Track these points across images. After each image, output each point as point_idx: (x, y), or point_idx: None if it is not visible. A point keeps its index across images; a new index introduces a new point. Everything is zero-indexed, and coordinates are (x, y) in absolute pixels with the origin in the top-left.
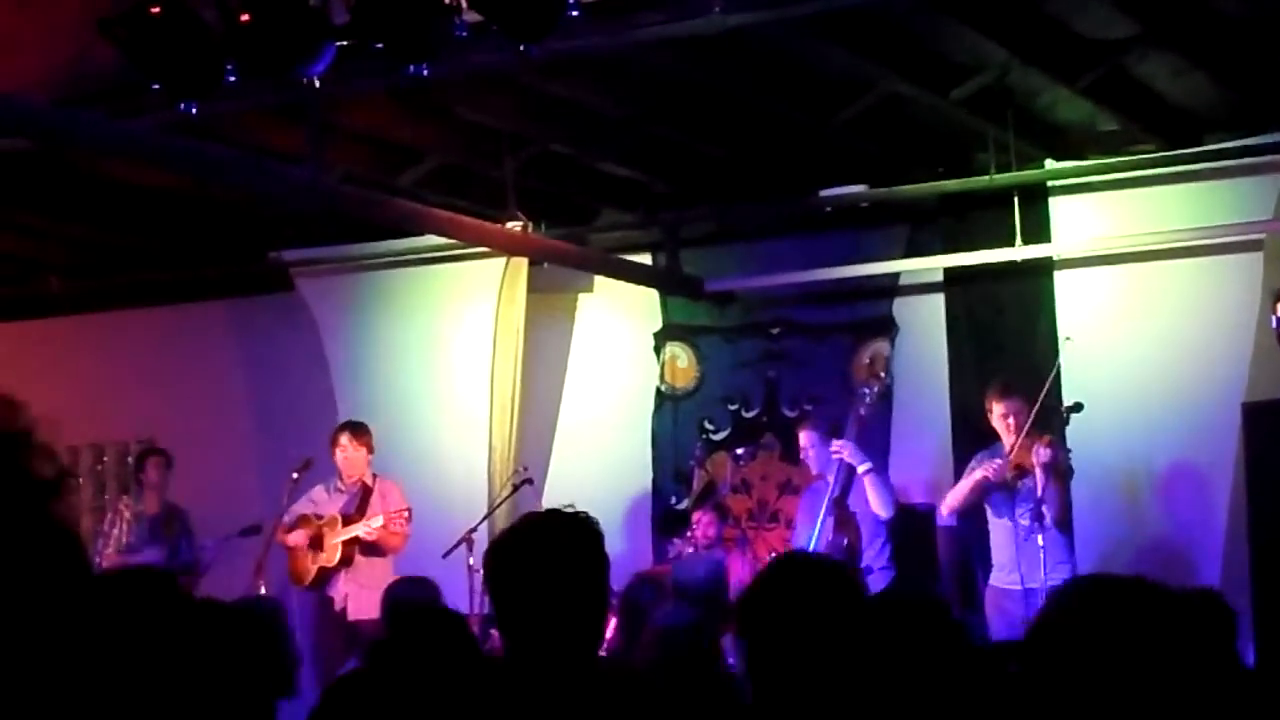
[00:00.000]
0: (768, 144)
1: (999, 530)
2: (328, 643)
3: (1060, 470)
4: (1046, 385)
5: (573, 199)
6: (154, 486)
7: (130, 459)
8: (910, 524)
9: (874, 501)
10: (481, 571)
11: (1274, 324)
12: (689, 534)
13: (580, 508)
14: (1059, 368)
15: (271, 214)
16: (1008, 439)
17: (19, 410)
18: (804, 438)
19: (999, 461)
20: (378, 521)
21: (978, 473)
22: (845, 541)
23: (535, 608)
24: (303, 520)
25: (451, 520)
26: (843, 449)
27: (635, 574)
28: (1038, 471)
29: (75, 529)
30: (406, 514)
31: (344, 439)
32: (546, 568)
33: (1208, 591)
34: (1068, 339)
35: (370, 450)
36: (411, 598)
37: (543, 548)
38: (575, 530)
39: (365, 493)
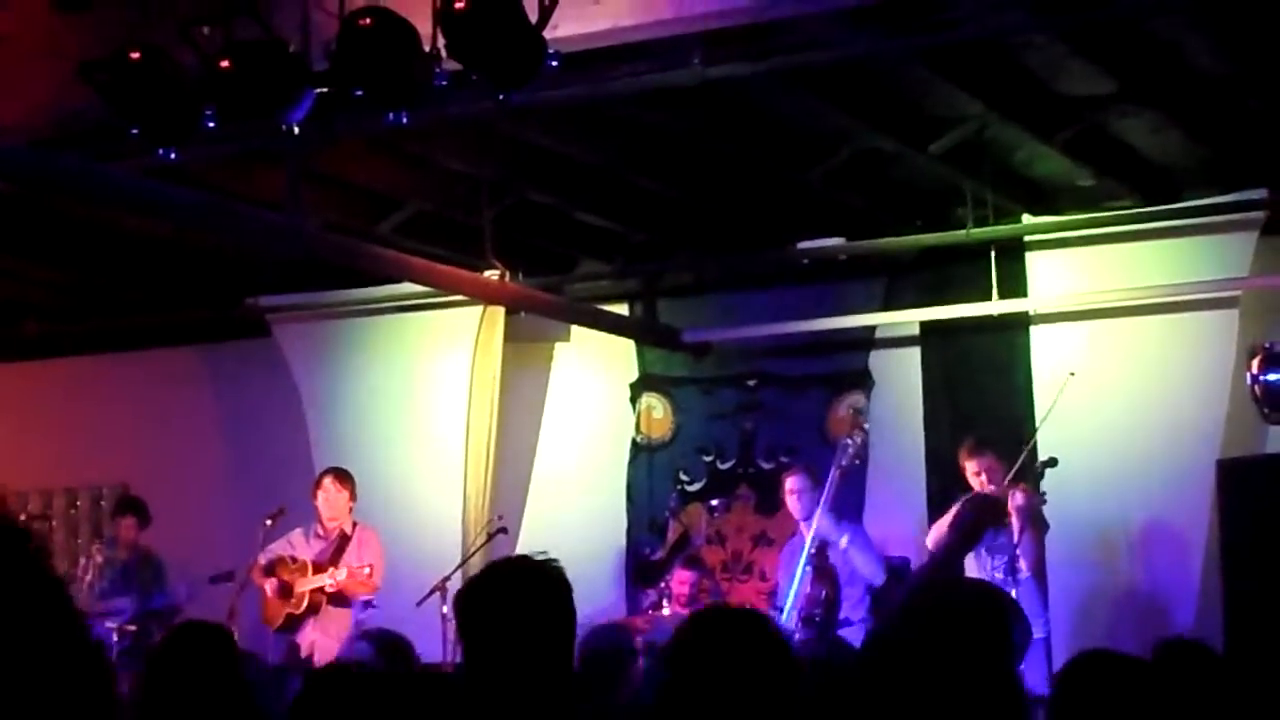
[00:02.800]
0: (746, 196)
1: None
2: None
3: (1035, 518)
4: (1032, 441)
5: (550, 248)
6: (126, 542)
7: (104, 504)
8: (888, 576)
9: (864, 569)
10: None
11: (1249, 381)
12: (663, 585)
13: (554, 557)
14: (1032, 430)
15: (249, 260)
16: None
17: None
18: (793, 481)
19: (993, 488)
20: (342, 574)
21: (940, 529)
22: (824, 593)
23: (503, 655)
24: (280, 563)
25: (426, 568)
26: (819, 524)
27: (594, 626)
28: (1014, 517)
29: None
30: (368, 570)
31: (327, 481)
32: (513, 615)
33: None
34: (1071, 374)
35: (353, 497)
36: None
37: (510, 595)
38: (543, 578)
39: (343, 541)
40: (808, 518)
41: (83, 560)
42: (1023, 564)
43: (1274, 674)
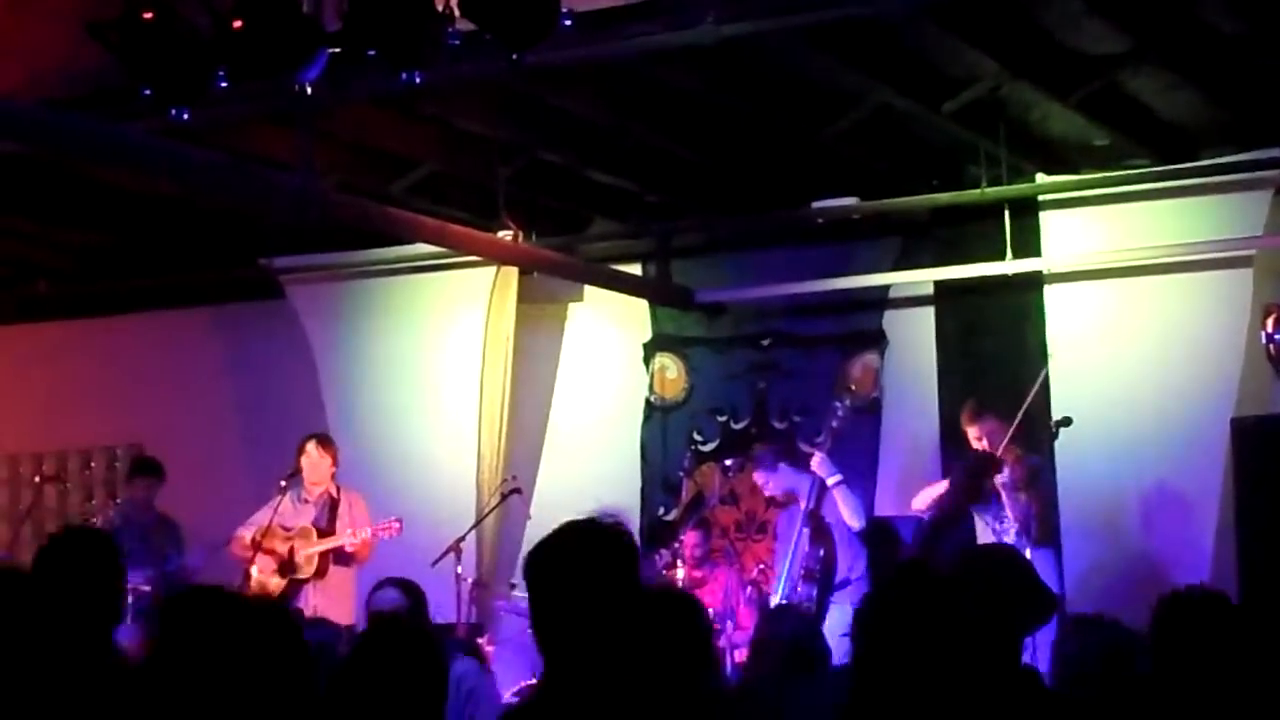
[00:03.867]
0: (760, 155)
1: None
2: None
3: (1021, 486)
4: (1026, 403)
5: (564, 208)
6: (142, 502)
7: (118, 464)
8: (898, 536)
9: (845, 513)
10: (470, 580)
11: (1264, 340)
12: (676, 545)
13: (567, 518)
14: (1046, 378)
15: (262, 221)
16: None
17: None
18: (757, 477)
19: (940, 493)
20: (366, 532)
21: (943, 485)
22: (821, 552)
23: (572, 618)
24: (269, 533)
25: (439, 529)
26: (816, 463)
27: None
28: (1002, 491)
29: None
30: (398, 525)
31: (310, 446)
32: (583, 577)
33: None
34: (1044, 372)
35: (335, 462)
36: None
37: (581, 557)
38: (613, 541)
39: (333, 505)
40: (793, 490)
41: (97, 521)
42: (1016, 526)
43: None
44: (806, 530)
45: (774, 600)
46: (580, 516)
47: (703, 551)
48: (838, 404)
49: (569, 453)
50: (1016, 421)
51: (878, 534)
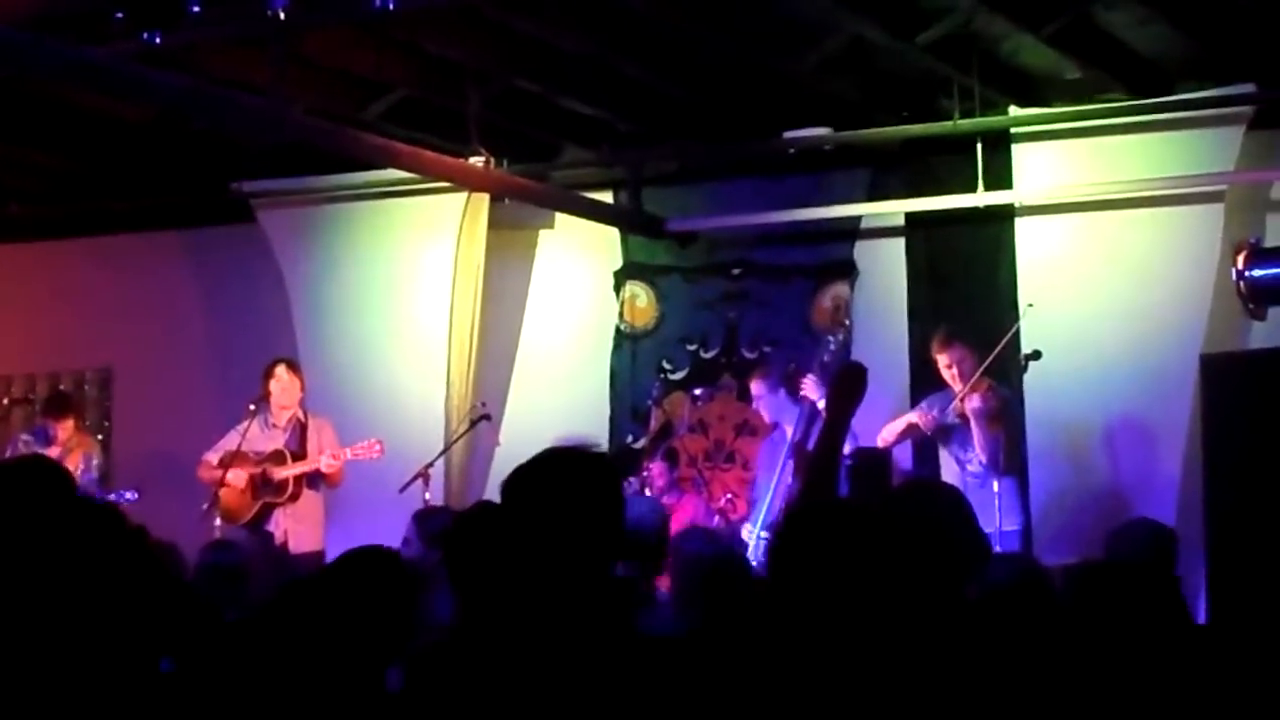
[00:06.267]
0: (732, 85)
1: (951, 478)
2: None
3: (993, 416)
4: (1002, 343)
5: (535, 135)
6: (63, 442)
7: (87, 387)
8: (869, 469)
9: None
10: (447, 504)
11: (1234, 276)
12: (644, 473)
13: (536, 444)
14: (1018, 328)
15: (234, 144)
16: (954, 387)
17: None
18: (754, 386)
19: (933, 414)
20: (346, 453)
21: (912, 416)
22: None
23: (551, 546)
24: (239, 457)
25: (408, 455)
26: (807, 385)
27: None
28: (971, 419)
29: None
30: (380, 447)
31: (280, 370)
32: (565, 502)
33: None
34: (1030, 305)
35: (303, 387)
36: None
37: (562, 481)
38: (595, 466)
39: (302, 429)
40: (777, 417)
41: (8, 453)
42: (983, 457)
43: (1253, 567)
44: (791, 463)
45: (745, 529)
46: (552, 444)
47: (668, 480)
48: (830, 339)
49: (538, 380)
50: (991, 357)
51: (863, 464)
